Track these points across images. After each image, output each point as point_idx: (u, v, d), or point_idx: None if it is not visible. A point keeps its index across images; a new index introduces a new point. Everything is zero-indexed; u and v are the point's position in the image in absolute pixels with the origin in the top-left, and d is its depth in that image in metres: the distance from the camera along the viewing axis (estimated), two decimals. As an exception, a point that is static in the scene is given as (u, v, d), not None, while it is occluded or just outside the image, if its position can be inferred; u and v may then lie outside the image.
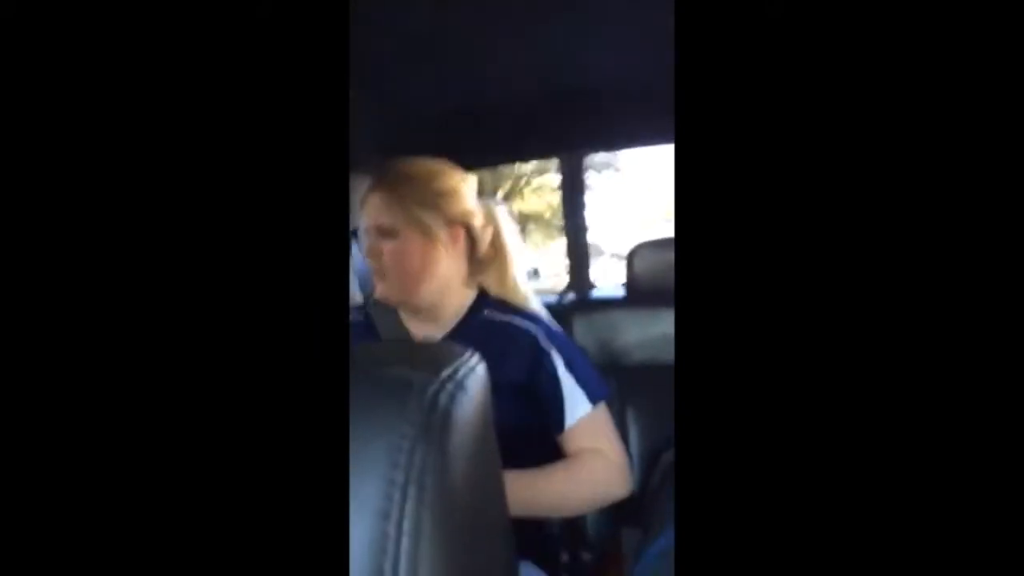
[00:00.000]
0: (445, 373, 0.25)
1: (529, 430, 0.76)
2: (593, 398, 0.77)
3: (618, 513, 0.83)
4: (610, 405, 0.80)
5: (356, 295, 1.14)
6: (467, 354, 0.27)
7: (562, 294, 1.59)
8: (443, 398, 0.23)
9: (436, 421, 0.23)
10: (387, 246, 0.77)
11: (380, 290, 0.79)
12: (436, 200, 0.77)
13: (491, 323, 0.80)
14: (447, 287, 0.80)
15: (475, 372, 0.27)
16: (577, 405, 0.76)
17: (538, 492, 0.71)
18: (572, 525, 0.92)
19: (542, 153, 1.56)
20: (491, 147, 1.35)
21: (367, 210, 0.78)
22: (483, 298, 0.83)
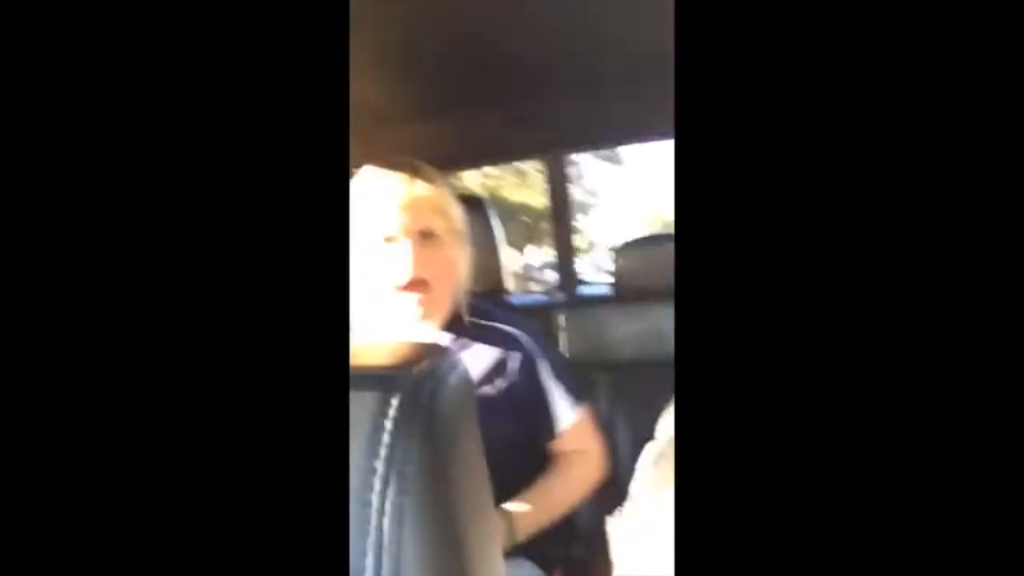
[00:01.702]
0: (425, 369, 0.25)
1: (515, 436, 0.76)
2: (578, 402, 0.78)
3: (603, 504, 0.84)
4: (593, 402, 0.82)
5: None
6: (447, 353, 0.28)
7: (550, 292, 1.59)
8: (423, 393, 0.24)
9: (418, 415, 0.24)
10: (432, 253, 0.69)
11: (425, 306, 0.69)
12: (452, 204, 0.72)
13: (476, 328, 0.77)
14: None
15: (456, 369, 0.27)
16: (566, 411, 0.77)
17: (542, 510, 0.72)
18: (562, 520, 0.93)
19: (529, 152, 1.55)
20: (478, 146, 1.35)
21: (409, 213, 0.68)
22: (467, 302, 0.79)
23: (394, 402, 0.24)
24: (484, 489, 0.30)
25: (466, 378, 0.28)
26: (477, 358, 0.75)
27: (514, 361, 0.76)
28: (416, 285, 0.68)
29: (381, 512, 0.22)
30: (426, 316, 0.70)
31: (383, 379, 0.24)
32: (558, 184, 1.44)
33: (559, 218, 1.48)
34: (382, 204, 0.69)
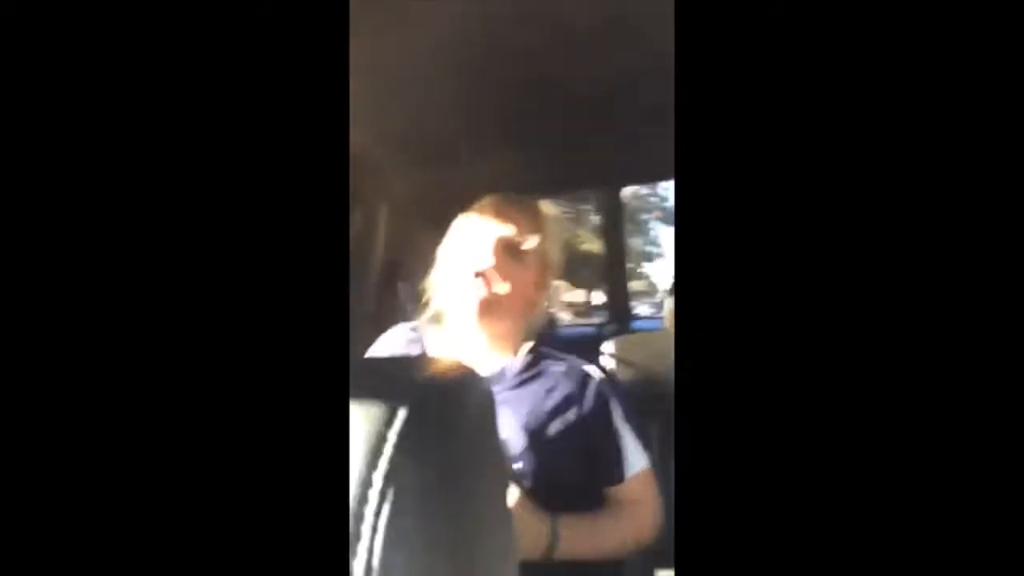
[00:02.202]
0: (438, 384, 0.25)
1: (576, 476, 0.71)
2: (646, 449, 0.73)
3: (656, 561, 0.78)
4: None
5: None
6: (469, 372, 0.27)
7: (601, 326, 1.55)
8: (433, 408, 0.23)
9: (425, 430, 0.23)
10: (514, 270, 0.71)
11: (497, 315, 0.71)
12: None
13: (551, 358, 0.75)
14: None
15: (476, 388, 0.26)
16: (637, 459, 0.72)
17: (586, 544, 0.67)
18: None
19: (576, 188, 1.58)
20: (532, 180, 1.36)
21: (499, 224, 0.72)
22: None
23: (400, 414, 0.22)
24: (500, 516, 0.28)
25: (487, 399, 0.27)
26: (550, 389, 0.72)
27: (587, 398, 0.72)
28: (492, 288, 0.70)
29: (374, 529, 0.21)
30: (496, 326, 0.72)
31: (391, 390, 0.24)
32: (612, 225, 1.43)
33: (611, 257, 1.47)
34: (475, 218, 0.73)
